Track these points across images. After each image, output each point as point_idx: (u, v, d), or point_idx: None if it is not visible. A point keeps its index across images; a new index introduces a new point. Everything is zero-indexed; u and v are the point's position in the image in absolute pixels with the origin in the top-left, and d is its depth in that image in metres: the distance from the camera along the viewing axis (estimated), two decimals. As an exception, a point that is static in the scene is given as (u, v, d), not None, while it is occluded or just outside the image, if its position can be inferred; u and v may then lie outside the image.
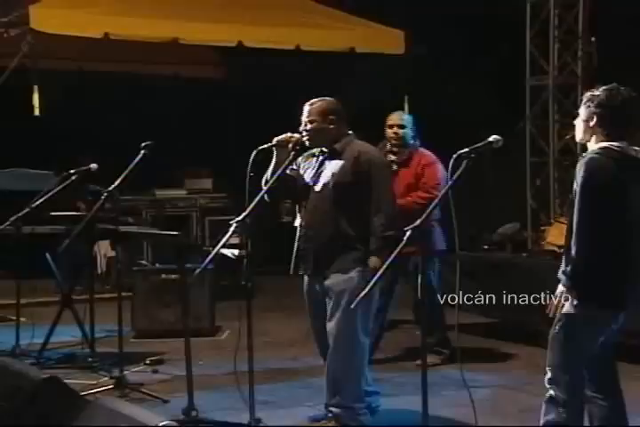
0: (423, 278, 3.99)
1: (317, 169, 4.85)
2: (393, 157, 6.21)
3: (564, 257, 3.90)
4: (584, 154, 3.92)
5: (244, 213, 4.64)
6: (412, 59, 9.52)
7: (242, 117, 10.53)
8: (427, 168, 6.15)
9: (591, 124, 3.91)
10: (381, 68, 9.67)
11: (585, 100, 3.96)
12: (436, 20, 9.61)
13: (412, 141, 6.26)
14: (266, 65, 10.25)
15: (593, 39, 9.10)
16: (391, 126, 6.25)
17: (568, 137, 8.12)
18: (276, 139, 4.78)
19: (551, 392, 3.89)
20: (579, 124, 3.98)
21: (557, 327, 3.85)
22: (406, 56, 9.56)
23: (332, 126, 4.82)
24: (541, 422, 3.94)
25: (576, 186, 3.84)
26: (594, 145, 3.92)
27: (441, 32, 9.60)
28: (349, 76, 10.03)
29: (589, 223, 3.79)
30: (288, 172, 4.81)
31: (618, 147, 3.86)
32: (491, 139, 4.03)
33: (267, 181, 4.81)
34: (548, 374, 3.90)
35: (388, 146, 6.26)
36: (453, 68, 9.90)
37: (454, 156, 3.98)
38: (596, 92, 3.94)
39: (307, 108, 4.87)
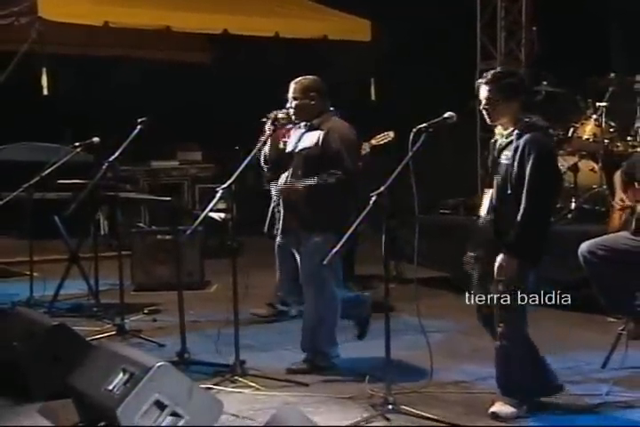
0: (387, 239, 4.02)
1: (297, 140, 4.80)
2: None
3: (492, 223, 3.89)
4: (517, 132, 3.85)
5: (229, 181, 4.63)
6: (378, 46, 9.50)
7: (226, 97, 10.44)
8: None
9: (509, 105, 3.88)
10: (350, 54, 9.62)
11: (494, 83, 3.88)
12: (398, 11, 9.55)
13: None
14: (248, 50, 10.18)
15: (534, 29, 9.11)
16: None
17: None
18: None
19: (501, 344, 3.93)
20: (491, 107, 3.88)
21: (501, 288, 3.88)
22: (373, 43, 9.55)
23: (312, 102, 4.75)
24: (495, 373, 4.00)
25: (513, 161, 3.80)
26: (509, 124, 3.89)
27: (402, 21, 9.56)
28: (322, 61, 9.97)
29: (543, 197, 3.81)
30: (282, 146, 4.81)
31: (537, 121, 3.89)
32: (446, 115, 4.04)
33: (265, 159, 4.86)
34: (500, 329, 3.92)
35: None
36: (414, 53, 9.85)
37: (414, 130, 3.98)
38: (503, 75, 3.93)
39: (292, 86, 4.80)
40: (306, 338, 4.79)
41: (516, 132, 3.87)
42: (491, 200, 3.92)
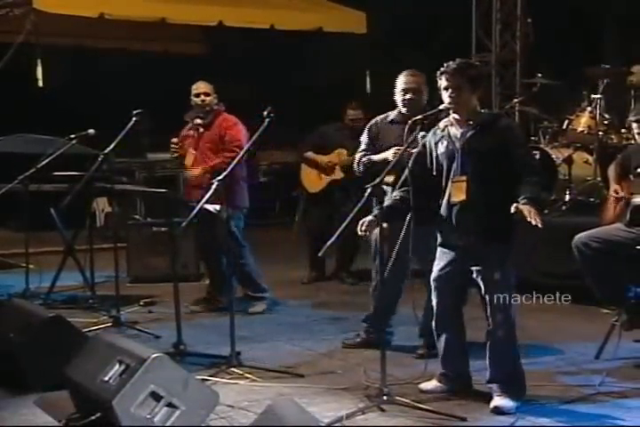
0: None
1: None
2: (199, 121, 5.98)
3: (477, 209, 3.89)
4: (481, 121, 3.95)
5: (224, 173, 4.63)
6: (373, 38, 9.49)
7: (222, 89, 10.43)
8: (228, 130, 5.87)
9: (473, 95, 3.95)
10: (346, 46, 9.62)
11: (461, 73, 3.91)
12: (394, 3, 9.55)
13: (216, 107, 5.98)
14: (243, 42, 10.17)
15: (529, 21, 9.11)
16: (197, 95, 5.98)
17: (507, 106, 8.15)
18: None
19: (497, 335, 3.94)
20: (457, 95, 3.91)
21: (498, 276, 3.90)
22: (368, 35, 9.54)
23: (425, 97, 4.74)
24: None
25: (498, 146, 3.88)
26: (467, 115, 3.94)
27: (398, 13, 9.55)
28: (318, 53, 9.97)
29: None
30: None
31: (492, 111, 4.05)
32: (441, 107, 4.04)
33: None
34: (498, 318, 3.92)
35: (193, 112, 6.04)
36: (409, 46, 9.85)
37: (410, 121, 3.99)
38: (470, 65, 3.99)
39: (410, 80, 4.74)
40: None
41: (481, 121, 3.94)
42: (468, 187, 3.89)
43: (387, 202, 4.07)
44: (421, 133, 4.25)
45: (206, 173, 5.79)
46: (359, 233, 3.95)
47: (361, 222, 3.95)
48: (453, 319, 4.10)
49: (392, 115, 4.87)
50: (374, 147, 4.88)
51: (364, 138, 5.00)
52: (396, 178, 4.34)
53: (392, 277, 4.52)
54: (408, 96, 4.71)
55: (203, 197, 5.17)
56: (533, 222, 3.64)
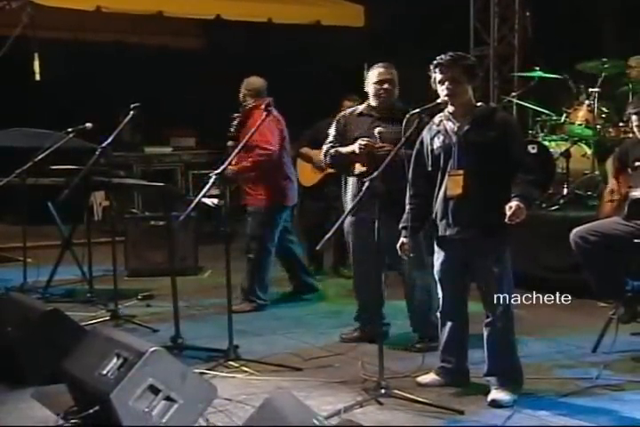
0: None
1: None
2: (235, 115, 5.88)
3: (474, 201, 3.89)
4: (479, 114, 3.95)
5: (222, 167, 4.63)
6: (371, 31, 9.48)
7: (220, 83, 10.42)
8: (256, 134, 5.43)
9: (469, 87, 3.96)
10: (344, 39, 9.61)
11: (457, 64, 3.91)
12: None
13: (248, 103, 5.82)
14: (241, 36, 10.15)
15: (527, 14, 9.10)
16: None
17: (506, 100, 8.15)
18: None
19: (496, 326, 3.95)
20: (455, 87, 3.91)
21: (497, 269, 3.91)
22: (366, 28, 9.54)
23: (397, 91, 4.80)
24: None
25: (494, 141, 3.88)
26: (464, 107, 3.95)
27: (396, 6, 9.54)
28: (316, 47, 9.97)
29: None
30: None
31: (489, 105, 4.13)
32: (439, 100, 4.03)
33: None
34: (499, 309, 3.92)
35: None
36: (407, 39, 9.83)
37: (407, 115, 3.99)
38: (463, 57, 3.98)
39: (386, 71, 4.76)
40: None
41: (478, 115, 3.94)
42: (465, 180, 3.89)
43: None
44: (378, 129, 4.53)
45: (237, 173, 5.68)
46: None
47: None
48: (458, 310, 4.09)
49: (361, 108, 4.94)
50: (343, 139, 4.91)
51: (332, 130, 5.03)
52: (368, 168, 4.48)
53: (371, 269, 4.55)
54: (385, 86, 4.76)
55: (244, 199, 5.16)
56: (507, 220, 3.72)
